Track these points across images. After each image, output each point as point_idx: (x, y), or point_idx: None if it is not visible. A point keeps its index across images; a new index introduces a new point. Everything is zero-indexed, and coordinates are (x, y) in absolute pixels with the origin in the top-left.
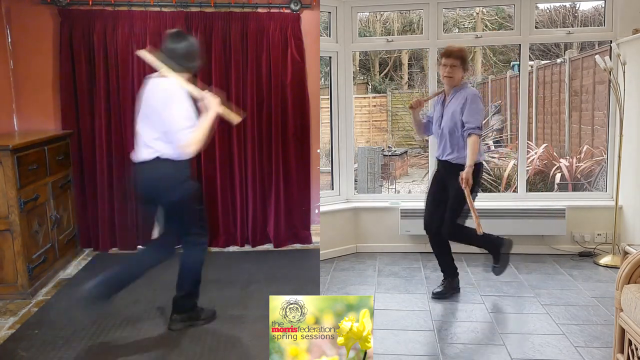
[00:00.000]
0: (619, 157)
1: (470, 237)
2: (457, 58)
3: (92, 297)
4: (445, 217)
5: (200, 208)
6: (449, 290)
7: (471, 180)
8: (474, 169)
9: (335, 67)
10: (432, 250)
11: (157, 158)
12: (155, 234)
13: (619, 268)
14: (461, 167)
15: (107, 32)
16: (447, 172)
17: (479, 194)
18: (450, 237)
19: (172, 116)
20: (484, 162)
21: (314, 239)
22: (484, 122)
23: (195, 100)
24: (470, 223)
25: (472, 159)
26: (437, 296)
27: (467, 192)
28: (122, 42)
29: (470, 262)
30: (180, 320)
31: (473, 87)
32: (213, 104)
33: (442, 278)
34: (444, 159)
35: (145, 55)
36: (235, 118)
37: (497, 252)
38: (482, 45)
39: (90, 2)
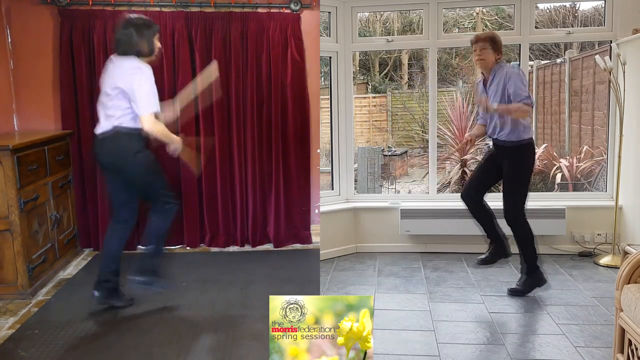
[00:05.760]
0: (619, 157)
1: (527, 236)
2: (484, 41)
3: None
4: (505, 201)
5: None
6: (495, 256)
7: (490, 105)
8: (525, 146)
9: (335, 67)
10: (475, 223)
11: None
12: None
13: (619, 268)
14: (513, 145)
15: (107, 32)
16: (499, 152)
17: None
18: (513, 223)
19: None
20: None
21: (314, 239)
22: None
23: None
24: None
25: (513, 108)
26: (482, 262)
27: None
28: None
29: (470, 262)
30: (140, 281)
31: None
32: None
33: (488, 244)
34: (495, 137)
35: None
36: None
37: (533, 266)
38: None
39: (90, 2)
